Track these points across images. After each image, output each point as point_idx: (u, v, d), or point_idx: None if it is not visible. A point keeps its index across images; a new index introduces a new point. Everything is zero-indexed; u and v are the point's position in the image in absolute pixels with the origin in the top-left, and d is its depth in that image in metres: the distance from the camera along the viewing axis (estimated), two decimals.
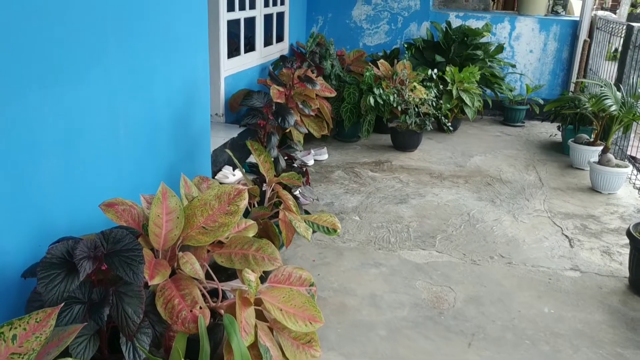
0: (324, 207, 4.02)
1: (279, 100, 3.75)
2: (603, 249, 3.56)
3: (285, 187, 2.96)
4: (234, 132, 4.67)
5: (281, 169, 3.05)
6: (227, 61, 5.01)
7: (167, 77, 2.76)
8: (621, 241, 3.66)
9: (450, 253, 3.43)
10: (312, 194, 3.20)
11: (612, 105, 4.29)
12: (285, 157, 3.24)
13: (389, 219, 3.88)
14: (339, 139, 5.62)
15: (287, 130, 4.76)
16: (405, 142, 5.38)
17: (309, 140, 5.24)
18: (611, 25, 6.12)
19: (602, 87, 4.50)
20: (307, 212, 3.18)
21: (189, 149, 3.07)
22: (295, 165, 3.28)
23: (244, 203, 2.06)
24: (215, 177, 4.29)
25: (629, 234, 3.13)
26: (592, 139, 5.07)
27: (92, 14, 2.15)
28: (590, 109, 4.85)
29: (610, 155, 4.47)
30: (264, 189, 2.94)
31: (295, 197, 2.96)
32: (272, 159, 2.96)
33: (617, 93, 4.44)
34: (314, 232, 2.77)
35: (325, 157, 5.05)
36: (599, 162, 4.49)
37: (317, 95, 5.14)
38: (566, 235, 3.74)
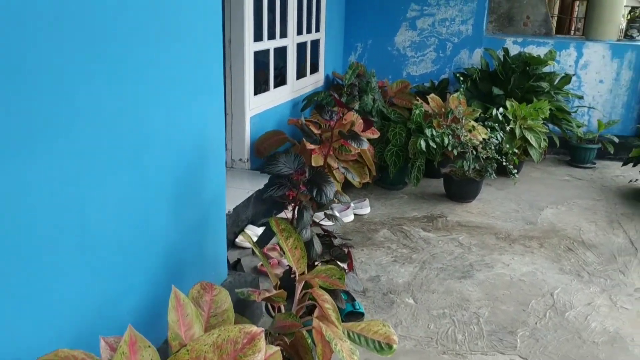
0: (368, 283, 3.23)
1: (313, 163, 3.01)
2: None
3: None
4: (261, 181, 3.94)
5: (316, 254, 2.29)
6: (254, 98, 4.31)
7: (168, 138, 2.04)
8: None
9: (539, 359, 2.59)
10: (358, 284, 2.43)
11: None
12: (322, 234, 2.48)
13: (452, 303, 3.06)
14: (382, 186, 4.84)
15: None
16: (461, 191, 4.56)
17: (348, 188, 4.47)
18: None
19: None
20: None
21: (196, 223, 2.33)
22: (335, 244, 2.51)
23: (259, 357, 1.30)
24: (237, 240, 3.55)
25: None
26: None
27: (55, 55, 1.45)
28: None
29: None
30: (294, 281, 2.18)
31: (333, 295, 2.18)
32: (304, 242, 2.20)
33: None
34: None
35: (367, 210, 4.27)
36: None
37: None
38: None
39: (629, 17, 8.35)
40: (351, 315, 2.83)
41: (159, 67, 1.97)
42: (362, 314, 2.86)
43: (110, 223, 1.78)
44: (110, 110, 1.72)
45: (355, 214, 4.20)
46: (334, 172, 4.16)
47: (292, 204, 2.32)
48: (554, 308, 3.03)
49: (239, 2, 3.99)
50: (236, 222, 3.65)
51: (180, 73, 2.11)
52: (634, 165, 4.83)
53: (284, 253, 2.12)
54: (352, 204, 4.19)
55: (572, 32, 9.62)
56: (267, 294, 1.86)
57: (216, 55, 2.37)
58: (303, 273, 2.18)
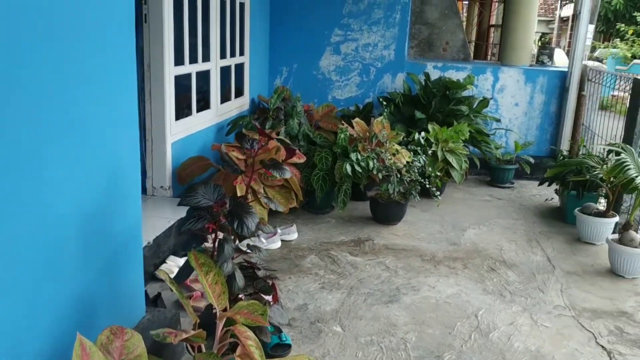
0: (295, 312, 3.16)
1: (238, 192, 2.92)
2: None
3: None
4: (184, 209, 3.78)
5: (238, 288, 2.19)
6: (175, 123, 4.18)
7: (72, 172, 1.90)
8: None
9: None
10: (283, 316, 2.35)
11: (636, 175, 3.61)
12: (245, 264, 2.39)
13: (380, 329, 3.03)
14: (310, 210, 4.80)
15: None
16: (387, 214, 4.59)
17: (275, 213, 4.40)
18: (604, 77, 5.57)
19: (620, 152, 3.84)
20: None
21: (109, 260, 2.19)
22: (259, 275, 2.42)
23: None
24: (157, 272, 3.39)
25: None
26: (602, 209, 4.39)
27: None
28: (603, 176, 4.18)
29: (633, 233, 3.77)
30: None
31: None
32: (226, 277, 2.11)
33: (639, 160, 3.78)
34: None
35: (294, 236, 4.21)
36: (621, 241, 3.79)
37: (283, 161, 4.33)
38: (602, 346, 2.96)
39: (539, 44, 8.84)
40: (278, 347, 2.75)
41: (62, 98, 1.84)
42: (289, 346, 2.78)
43: (6, 269, 1.63)
44: None
45: (282, 240, 4.13)
46: (260, 198, 4.08)
47: (213, 237, 2.22)
48: (479, 329, 3.07)
49: (158, 26, 3.88)
50: (157, 254, 3.49)
51: (86, 101, 1.98)
52: (549, 185, 5.05)
53: (204, 289, 2.01)
54: (279, 230, 4.12)
55: (489, 57, 10.07)
56: (185, 335, 1.75)
57: (130, 82, 2.26)
58: (225, 309, 2.08)
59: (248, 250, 2.64)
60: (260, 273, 2.42)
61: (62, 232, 1.87)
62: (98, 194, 2.06)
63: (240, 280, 2.21)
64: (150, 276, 3.37)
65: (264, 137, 2.49)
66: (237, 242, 2.41)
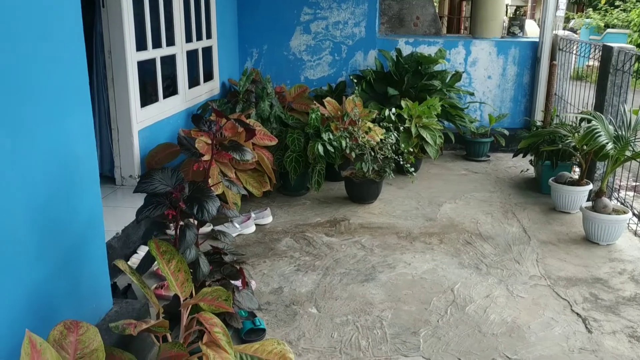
0: (270, 295, 3.11)
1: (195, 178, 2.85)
2: (629, 332, 2.80)
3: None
4: None
5: (202, 274, 2.14)
6: (141, 111, 4.08)
7: (18, 162, 1.82)
8: None
9: (443, 358, 2.59)
10: (252, 301, 2.30)
11: (607, 142, 3.60)
12: (211, 251, 2.33)
13: (356, 308, 3.00)
14: (284, 193, 4.74)
15: (221, 192, 3.86)
16: (362, 193, 4.55)
17: (248, 198, 4.33)
18: (575, 46, 5.56)
19: (591, 119, 3.82)
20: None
21: (68, 253, 2.11)
22: (226, 260, 2.36)
23: None
24: (115, 262, 3.31)
25: None
26: (576, 178, 4.39)
27: None
28: (575, 144, 4.17)
29: (606, 200, 3.78)
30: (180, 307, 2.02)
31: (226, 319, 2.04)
32: (189, 264, 2.05)
33: (609, 127, 3.77)
34: None
35: (269, 220, 4.16)
36: (594, 209, 3.79)
37: (254, 144, 4.26)
38: (578, 314, 2.97)
39: (511, 16, 8.80)
40: (252, 332, 2.71)
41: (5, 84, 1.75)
42: (263, 330, 2.74)
43: None
44: None
45: (257, 224, 4.07)
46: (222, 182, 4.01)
47: (174, 224, 2.15)
48: (455, 304, 3.06)
49: (116, 9, 3.76)
50: (127, 244, 3.42)
51: (32, 87, 1.89)
52: (523, 156, 5.04)
53: (166, 277, 1.95)
54: (252, 215, 4.06)
55: (462, 31, 10.03)
56: (145, 325, 1.69)
57: (79, 64, 2.17)
58: (190, 297, 2.03)
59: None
60: (227, 258, 2.36)
61: (10, 225, 1.79)
62: (50, 185, 1.98)
63: (204, 266, 2.16)
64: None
65: (219, 117, 2.41)
66: (200, 228, 2.35)
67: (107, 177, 4.18)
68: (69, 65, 2.09)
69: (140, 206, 2.09)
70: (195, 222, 2.24)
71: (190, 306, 1.96)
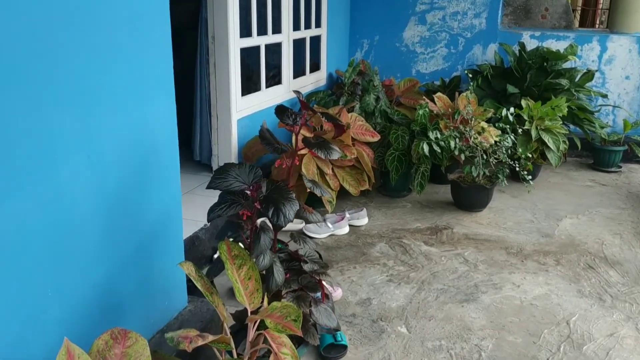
0: (357, 307, 2.86)
1: (304, 170, 2.63)
2: None
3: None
4: None
5: (275, 284, 1.92)
6: (242, 99, 3.97)
7: (90, 147, 1.70)
8: None
9: None
10: (331, 319, 2.06)
11: None
12: (290, 259, 2.11)
13: (451, 333, 2.66)
14: (383, 193, 4.45)
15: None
16: (470, 199, 4.14)
17: (345, 196, 4.09)
18: None
19: None
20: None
21: (139, 248, 1.99)
22: (305, 269, 2.13)
23: None
24: (215, 256, 3.21)
25: None
26: None
27: None
28: None
29: None
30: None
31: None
32: (263, 272, 1.84)
33: None
34: None
35: (364, 221, 3.89)
36: None
37: (354, 140, 4.01)
38: None
39: None
40: (332, 348, 2.46)
41: (75, 62, 1.63)
42: (345, 347, 2.49)
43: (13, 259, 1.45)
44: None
45: (351, 225, 3.82)
46: (328, 178, 3.79)
47: (248, 225, 1.95)
48: (570, 340, 2.62)
49: None
50: (214, 236, 3.31)
51: (111, 72, 1.76)
52: None
53: (234, 285, 1.76)
54: (347, 215, 3.81)
55: (597, 25, 9.08)
56: (201, 342, 1.50)
57: (164, 49, 2.02)
58: (259, 308, 1.82)
59: (314, 236, 2.36)
60: (307, 267, 2.13)
61: (78, 213, 1.67)
62: (123, 173, 1.85)
63: (279, 275, 1.94)
64: (209, 260, 3.20)
65: (306, 110, 2.17)
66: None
67: (205, 165, 4.13)
68: (153, 53, 1.96)
69: (213, 204, 1.91)
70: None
71: (256, 321, 1.75)
